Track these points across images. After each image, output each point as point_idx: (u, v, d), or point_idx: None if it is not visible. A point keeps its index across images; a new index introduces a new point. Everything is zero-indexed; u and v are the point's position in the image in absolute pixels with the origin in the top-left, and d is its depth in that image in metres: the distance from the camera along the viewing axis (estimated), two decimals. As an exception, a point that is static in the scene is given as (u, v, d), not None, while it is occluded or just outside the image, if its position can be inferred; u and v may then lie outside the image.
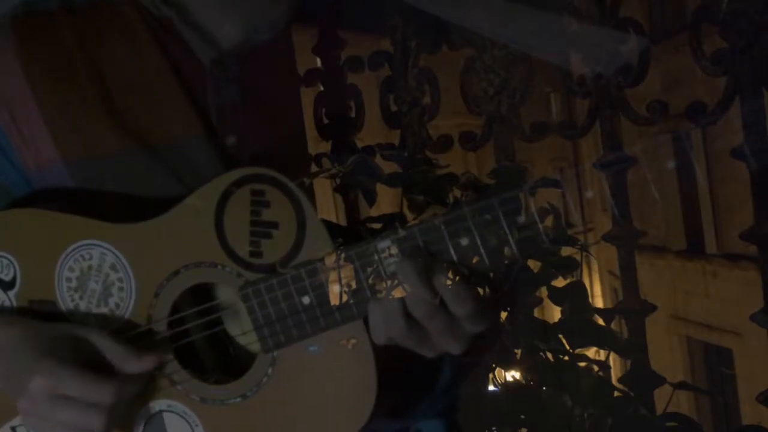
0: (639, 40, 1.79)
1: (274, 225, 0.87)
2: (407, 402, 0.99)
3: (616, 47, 1.78)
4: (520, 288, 1.92)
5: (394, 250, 0.82)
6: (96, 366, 0.86)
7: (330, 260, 0.84)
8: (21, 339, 0.87)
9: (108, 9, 0.98)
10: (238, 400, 0.90)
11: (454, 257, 0.81)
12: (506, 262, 0.81)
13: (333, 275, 0.84)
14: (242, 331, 0.90)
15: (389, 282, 0.82)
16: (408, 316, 0.82)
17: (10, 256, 0.92)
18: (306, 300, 0.85)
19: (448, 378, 0.99)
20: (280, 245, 0.87)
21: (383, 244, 0.82)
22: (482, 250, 0.81)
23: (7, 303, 0.93)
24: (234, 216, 0.88)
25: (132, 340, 0.89)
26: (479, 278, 0.83)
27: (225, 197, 0.88)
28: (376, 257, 0.83)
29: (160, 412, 0.91)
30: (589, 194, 0.80)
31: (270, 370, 0.89)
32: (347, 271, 0.84)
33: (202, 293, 0.91)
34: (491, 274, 0.84)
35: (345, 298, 0.84)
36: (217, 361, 0.93)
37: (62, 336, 0.88)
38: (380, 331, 0.84)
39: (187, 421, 0.91)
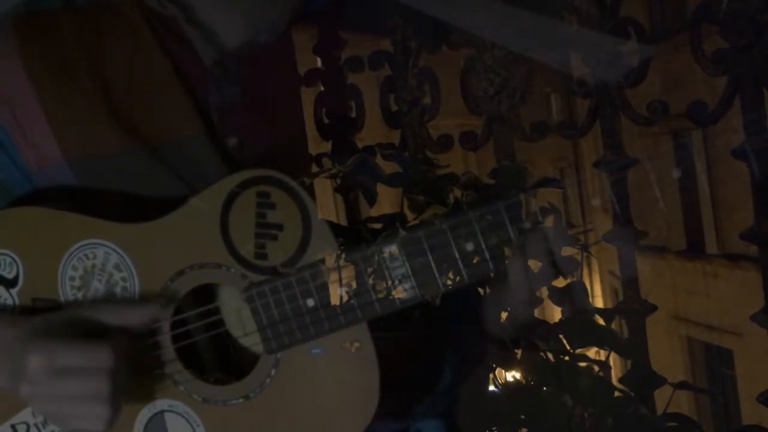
0: (639, 41, 1.79)
1: (279, 227, 0.87)
2: (408, 403, 1.00)
3: (616, 48, 1.78)
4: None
5: (398, 253, 0.83)
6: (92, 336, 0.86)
7: (334, 263, 0.85)
8: (19, 337, 0.87)
9: (110, 8, 0.99)
10: (241, 400, 0.90)
11: (459, 260, 0.82)
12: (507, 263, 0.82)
13: (337, 278, 0.84)
14: (245, 332, 0.90)
15: (391, 282, 0.83)
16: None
17: (13, 254, 0.93)
18: (310, 302, 0.86)
19: (449, 379, 0.99)
20: (285, 247, 0.87)
21: (387, 247, 0.83)
22: (487, 254, 0.81)
23: (10, 301, 0.93)
24: (239, 217, 0.88)
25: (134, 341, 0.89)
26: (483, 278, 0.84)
27: (231, 199, 0.88)
28: (380, 260, 0.83)
29: (162, 412, 0.91)
30: (596, 202, 0.81)
31: (273, 372, 0.89)
32: (351, 274, 0.84)
33: (206, 294, 0.91)
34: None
35: (349, 300, 0.85)
36: (219, 361, 0.93)
37: (51, 319, 0.88)
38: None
39: (189, 422, 0.91)
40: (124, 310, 0.88)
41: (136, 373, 0.88)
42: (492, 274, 0.83)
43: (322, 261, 0.85)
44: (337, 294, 0.85)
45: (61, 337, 0.85)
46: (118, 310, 0.88)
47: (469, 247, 0.81)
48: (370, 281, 0.84)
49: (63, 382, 0.83)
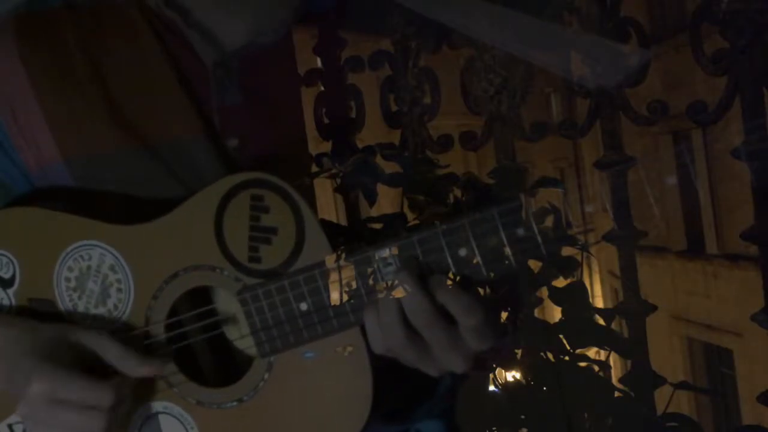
0: (639, 41, 1.79)
1: (273, 230, 0.87)
2: (407, 406, 0.99)
3: (617, 52, 1.78)
4: (520, 288, 1.92)
5: (392, 259, 0.82)
6: (95, 367, 0.86)
7: (328, 267, 0.84)
8: (19, 341, 0.88)
9: (111, 9, 0.99)
10: (235, 404, 0.90)
11: (452, 267, 0.81)
12: (504, 266, 0.81)
13: (331, 282, 0.84)
14: (240, 335, 0.90)
15: (384, 287, 0.82)
16: (407, 325, 0.82)
17: (9, 254, 0.93)
18: (303, 306, 0.86)
19: (449, 383, 0.99)
20: (278, 251, 0.87)
21: (382, 252, 0.83)
22: (480, 260, 0.81)
23: (6, 301, 0.93)
24: (233, 220, 0.88)
25: (129, 342, 0.89)
26: (478, 284, 0.83)
27: (225, 201, 0.88)
28: (374, 265, 0.83)
29: (156, 413, 0.91)
30: (591, 209, 0.81)
31: (266, 375, 0.89)
32: (345, 279, 0.84)
33: (202, 297, 0.91)
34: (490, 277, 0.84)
35: (342, 305, 0.84)
36: (214, 364, 0.93)
37: (60, 339, 0.88)
38: (378, 340, 0.83)
39: (183, 424, 0.91)
40: (131, 362, 0.88)
41: (132, 410, 0.90)
42: (488, 279, 0.83)
43: (316, 265, 0.85)
44: (330, 298, 0.85)
45: (67, 366, 0.86)
46: (126, 359, 0.88)
47: (462, 252, 0.81)
48: (363, 286, 0.84)
49: (61, 412, 0.85)
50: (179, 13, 0.99)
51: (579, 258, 1.98)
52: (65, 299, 0.91)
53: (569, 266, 1.97)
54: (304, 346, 0.87)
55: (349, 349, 0.86)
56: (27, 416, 0.87)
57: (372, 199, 1.80)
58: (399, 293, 0.81)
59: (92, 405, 0.84)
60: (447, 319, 0.81)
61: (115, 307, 0.91)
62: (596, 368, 2.02)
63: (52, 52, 0.95)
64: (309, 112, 2.09)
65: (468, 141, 2.08)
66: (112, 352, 0.88)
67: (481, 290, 0.89)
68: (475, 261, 0.81)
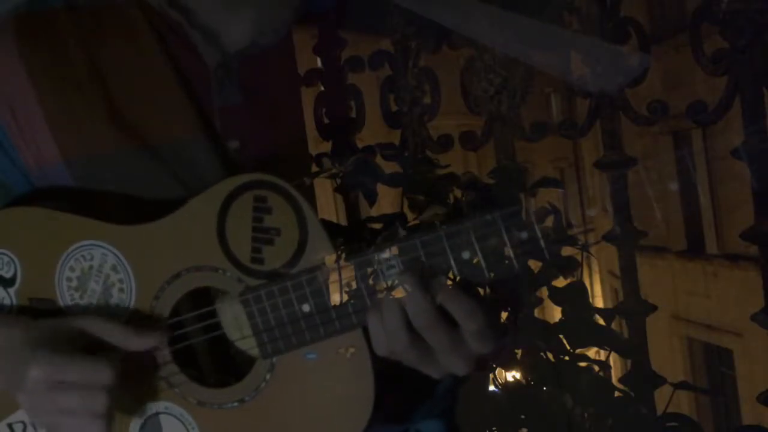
0: (639, 41, 1.79)
1: (276, 231, 0.87)
2: (407, 406, 0.99)
3: (617, 53, 1.78)
4: (521, 290, 1.92)
5: (395, 260, 0.82)
6: (94, 351, 0.86)
7: (331, 268, 0.84)
8: (20, 339, 0.88)
9: (112, 9, 0.99)
10: (236, 404, 0.90)
11: (455, 269, 0.82)
12: (506, 269, 0.82)
13: (333, 284, 0.84)
14: (242, 336, 0.90)
15: (388, 291, 0.83)
16: (410, 328, 0.82)
17: (11, 254, 0.93)
18: (306, 308, 0.86)
19: (449, 383, 0.99)
20: (281, 252, 0.87)
21: (384, 253, 0.83)
22: (483, 262, 0.81)
23: (7, 300, 0.93)
24: (236, 221, 0.88)
25: None
26: (479, 285, 0.84)
27: (228, 202, 0.88)
28: (376, 266, 0.83)
29: (157, 413, 0.91)
30: (592, 212, 0.81)
31: (268, 376, 0.89)
32: (348, 280, 0.84)
33: (204, 297, 0.91)
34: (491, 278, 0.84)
35: (345, 306, 0.84)
36: (216, 364, 0.93)
37: (56, 328, 0.88)
38: (381, 342, 0.84)
39: (184, 424, 0.91)
40: (129, 334, 0.88)
41: (130, 390, 0.89)
42: (489, 281, 0.83)
43: (319, 266, 0.85)
44: (332, 299, 0.85)
45: (64, 350, 0.85)
46: (124, 332, 0.88)
47: (465, 255, 0.81)
48: (366, 287, 0.84)
49: (61, 395, 0.84)
50: (182, 13, 0.99)
51: (579, 258, 1.98)
52: (66, 299, 0.91)
53: (569, 266, 1.96)
54: (306, 347, 0.87)
55: (351, 350, 0.86)
56: (29, 405, 0.86)
57: (372, 199, 1.80)
58: (400, 294, 0.82)
59: (92, 383, 0.84)
60: (449, 321, 0.82)
61: (117, 307, 0.91)
62: (596, 368, 2.02)
63: (52, 52, 0.95)
64: (309, 112, 2.09)
65: (468, 141, 2.08)
66: (109, 329, 0.87)
67: (481, 290, 0.89)
68: (476, 261, 0.81)
